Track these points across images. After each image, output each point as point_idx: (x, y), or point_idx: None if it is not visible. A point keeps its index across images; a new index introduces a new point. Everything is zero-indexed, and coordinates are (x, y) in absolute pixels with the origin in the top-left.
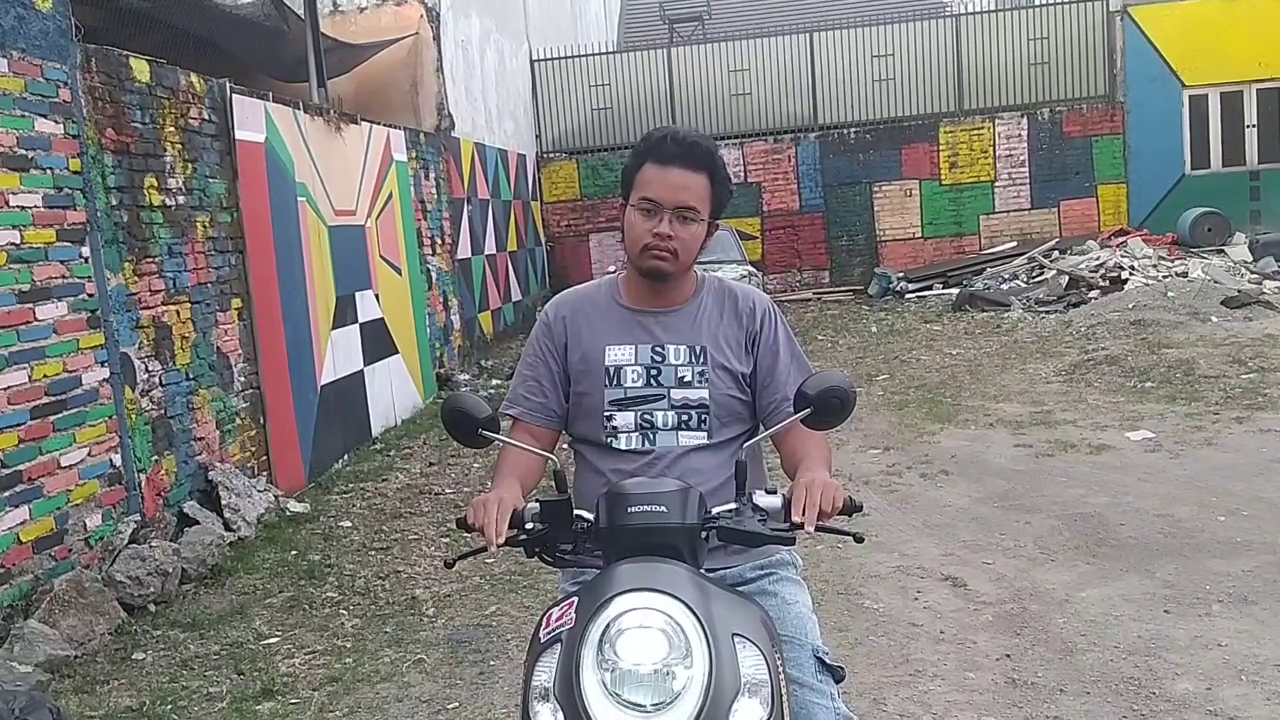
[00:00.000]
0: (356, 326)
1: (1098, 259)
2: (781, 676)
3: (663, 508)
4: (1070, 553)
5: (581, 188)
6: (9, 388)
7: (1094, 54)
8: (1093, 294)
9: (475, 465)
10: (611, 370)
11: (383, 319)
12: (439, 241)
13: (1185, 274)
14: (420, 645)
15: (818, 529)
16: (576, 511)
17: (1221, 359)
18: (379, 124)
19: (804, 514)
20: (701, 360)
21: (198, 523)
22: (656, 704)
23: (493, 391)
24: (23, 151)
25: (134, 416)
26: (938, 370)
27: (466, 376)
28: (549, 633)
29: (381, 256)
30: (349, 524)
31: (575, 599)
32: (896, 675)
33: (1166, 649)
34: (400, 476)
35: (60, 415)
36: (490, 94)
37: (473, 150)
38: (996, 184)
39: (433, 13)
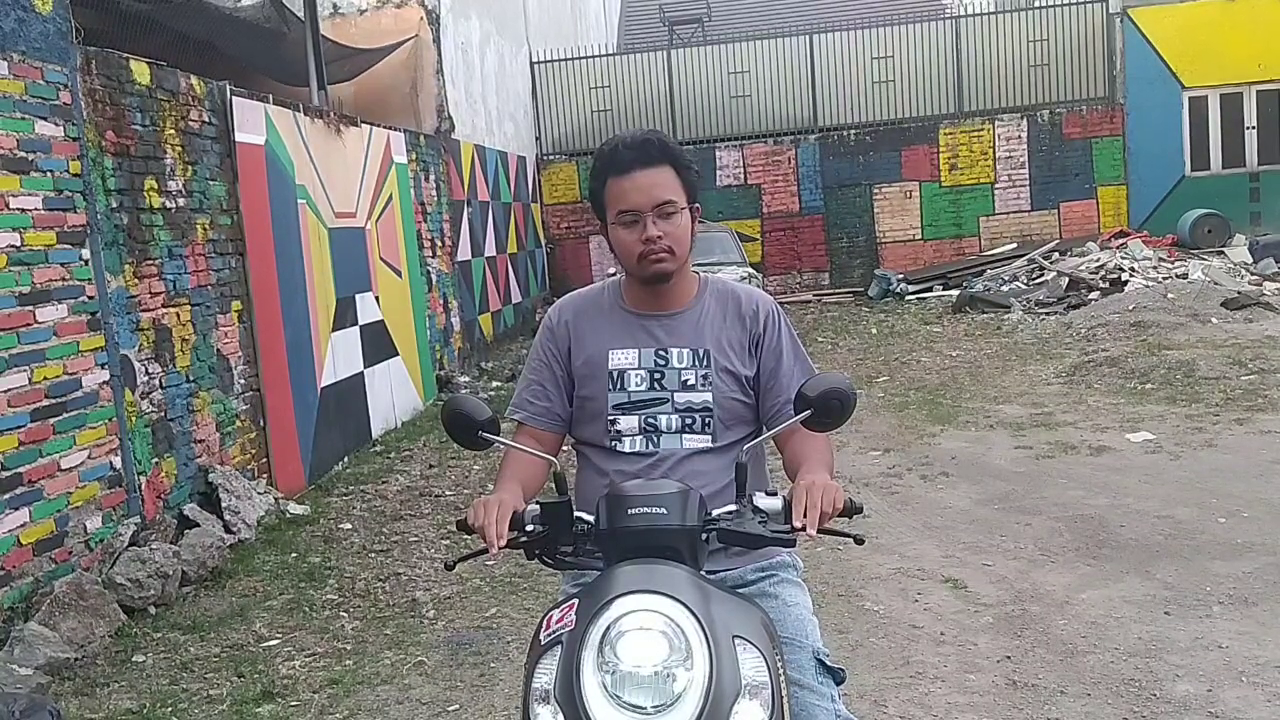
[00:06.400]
0: (356, 329)
1: (1098, 261)
2: (782, 678)
3: (663, 509)
4: (1071, 554)
5: (581, 190)
6: (9, 390)
7: (1094, 56)
8: (1093, 296)
9: (475, 467)
10: (615, 374)
11: (383, 321)
12: (439, 243)
13: (1185, 276)
14: (421, 647)
15: (818, 531)
16: (576, 513)
17: (1222, 360)
18: (379, 126)
19: (804, 516)
20: (705, 364)
21: (198, 525)
22: (657, 706)
23: (492, 394)
24: (23, 154)
25: (134, 419)
26: (938, 372)
27: (466, 378)
28: (549, 635)
29: (381, 258)
30: (349, 526)
31: (575, 601)
32: (897, 677)
33: (1167, 651)
34: (400, 479)
35: (60, 418)
36: (490, 96)
37: (473, 152)
38: (996, 186)
39: (432, 15)
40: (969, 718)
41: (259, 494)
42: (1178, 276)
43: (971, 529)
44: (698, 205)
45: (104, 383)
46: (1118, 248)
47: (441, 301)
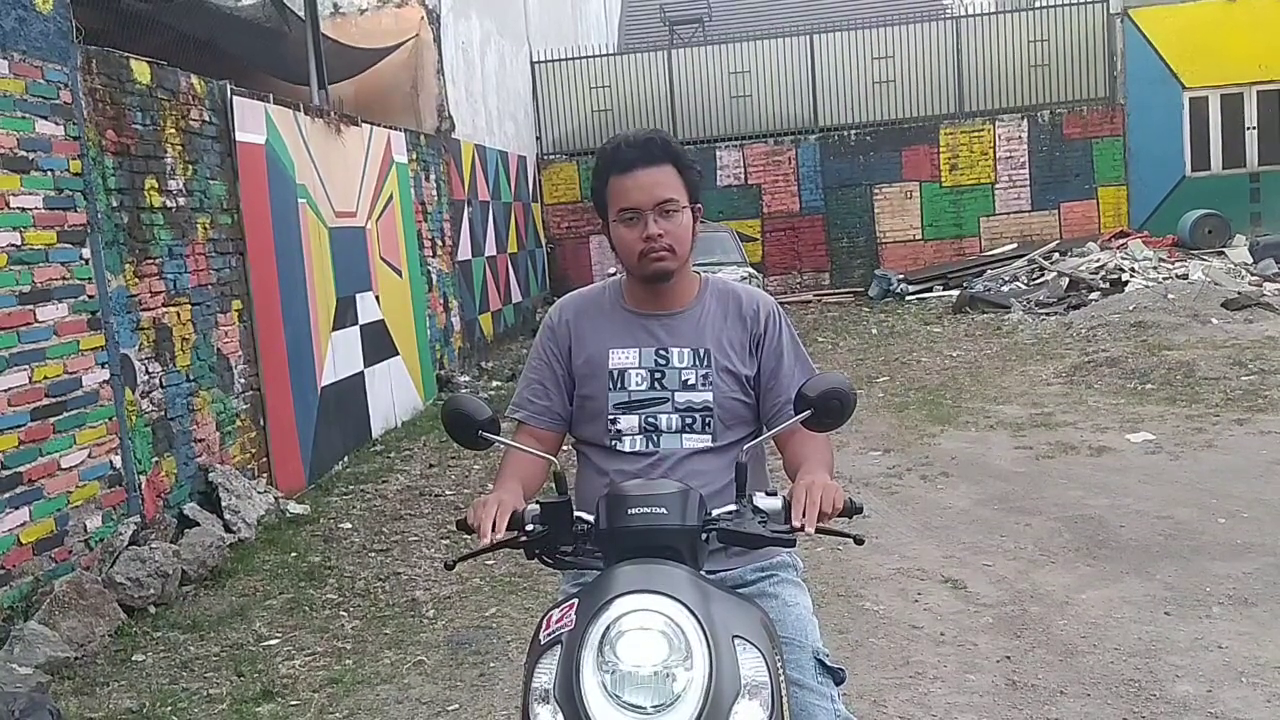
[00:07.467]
0: (357, 328)
1: (1098, 261)
2: (782, 678)
3: (663, 509)
4: (1070, 555)
5: (582, 189)
6: (9, 389)
7: (1094, 56)
8: (1093, 296)
9: (475, 467)
10: (615, 373)
11: (383, 321)
12: (439, 243)
13: (1185, 276)
14: (420, 647)
15: (818, 531)
16: (576, 513)
17: (1222, 361)
18: (379, 125)
19: (803, 515)
20: (705, 363)
21: (198, 524)
22: (657, 706)
23: (492, 393)
24: (23, 153)
25: (134, 418)
26: (938, 372)
27: (467, 378)
28: (549, 634)
29: (382, 258)
30: (349, 526)
31: (575, 601)
32: (897, 677)
33: (1167, 651)
34: (400, 478)
35: (60, 417)
36: (491, 96)
37: (473, 152)
38: (997, 186)
39: (433, 15)
40: (968, 718)
41: (259, 493)
42: (1178, 277)
43: (971, 529)
44: (700, 205)
45: (104, 382)
46: (1118, 248)
47: (442, 301)
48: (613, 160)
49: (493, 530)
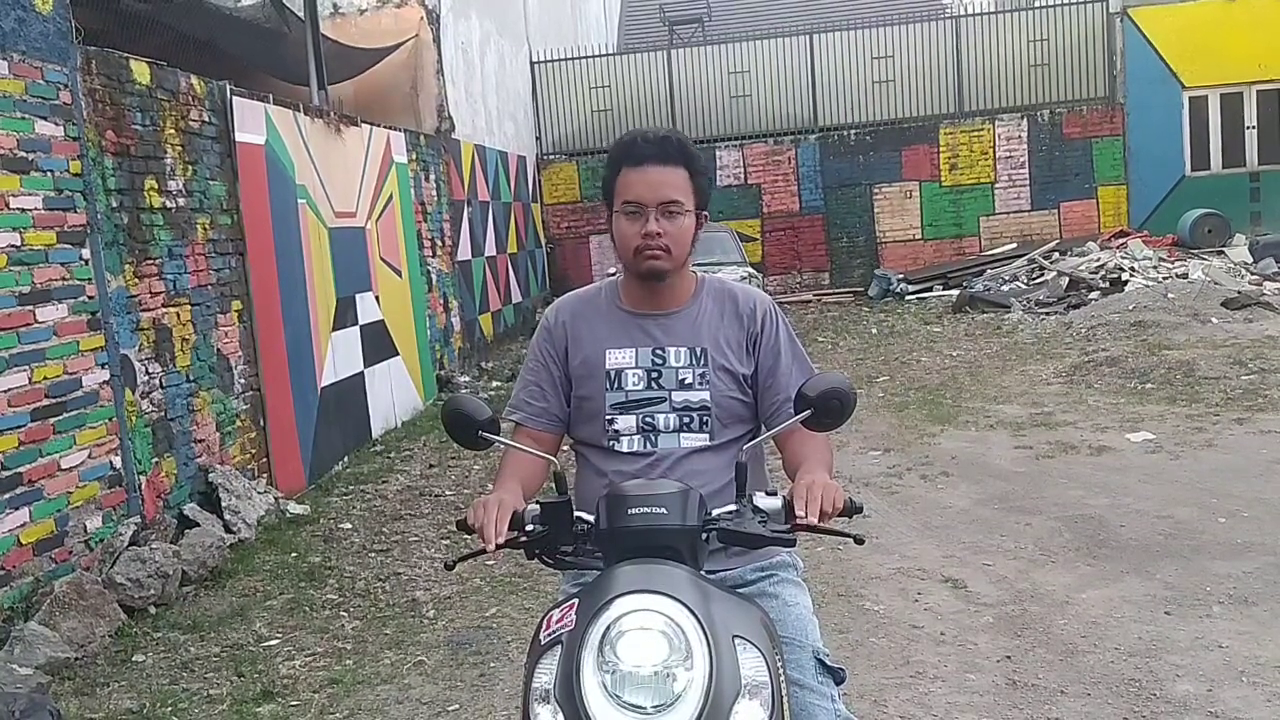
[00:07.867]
0: (357, 328)
1: (1098, 260)
2: (782, 678)
3: (663, 509)
4: (1071, 554)
5: (582, 189)
6: (9, 390)
7: (1094, 56)
8: (1093, 295)
9: (475, 467)
10: (612, 374)
11: (383, 321)
12: (439, 243)
13: (1185, 275)
14: (421, 647)
15: (818, 530)
16: (576, 513)
17: (1222, 360)
18: (379, 126)
19: (805, 508)
20: (702, 362)
21: (198, 525)
22: (657, 706)
23: (492, 393)
24: (23, 154)
25: (134, 419)
26: (938, 372)
27: (467, 378)
28: (549, 634)
29: (382, 258)
30: (349, 526)
31: (576, 601)
32: (897, 677)
33: (1167, 650)
34: (400, 478)
35: (60, 417)
36: (490, 96)
37: (473, 152)
38: (996, 185)
39: (433, 15)
40: (969, 717)
41: (259, 494)
42: (1178, 276)
43: (971, 529)
44: (705, 213)
45: (104, 382)
46: (1118, 247)
47: (442, 301)
48: (627, 152)
49: (495, 536)
